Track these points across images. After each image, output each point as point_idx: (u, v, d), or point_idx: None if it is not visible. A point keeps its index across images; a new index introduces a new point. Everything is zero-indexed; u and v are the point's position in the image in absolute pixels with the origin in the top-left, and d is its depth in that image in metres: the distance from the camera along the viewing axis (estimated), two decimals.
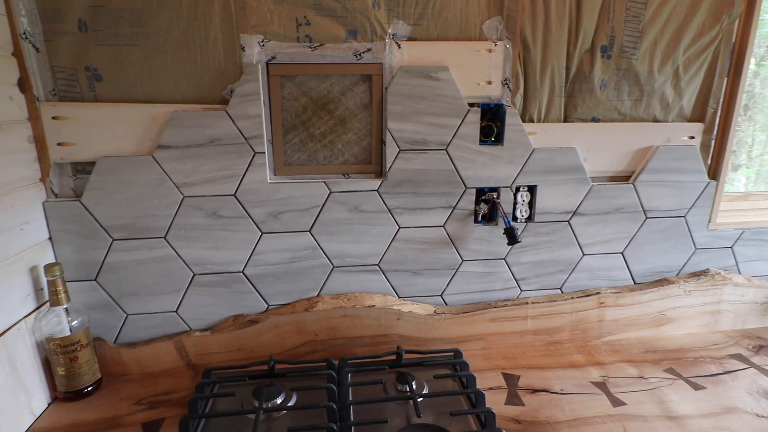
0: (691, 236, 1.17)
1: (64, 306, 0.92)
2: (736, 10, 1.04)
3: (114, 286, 1.01)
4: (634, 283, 1.19)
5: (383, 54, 0.98)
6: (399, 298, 1.12)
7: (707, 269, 1.21)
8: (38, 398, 0.91)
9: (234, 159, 0.97)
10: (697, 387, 0.98)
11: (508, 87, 1.02)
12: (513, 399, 0.95)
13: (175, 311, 1.04)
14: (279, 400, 0.90)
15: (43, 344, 0.91)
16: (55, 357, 0.91)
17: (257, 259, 1.04)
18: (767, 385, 0.99)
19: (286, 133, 1.00)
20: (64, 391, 0.93)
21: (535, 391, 0.98)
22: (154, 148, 0.95)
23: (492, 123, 1.03)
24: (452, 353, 1.03)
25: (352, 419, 0.84)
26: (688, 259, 1.20)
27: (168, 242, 1.00)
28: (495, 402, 0.94)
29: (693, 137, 1.12)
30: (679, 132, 1.11)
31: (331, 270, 1.07)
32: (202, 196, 0.98)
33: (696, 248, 1.19)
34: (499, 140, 1.04)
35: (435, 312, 1.10)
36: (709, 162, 1.15)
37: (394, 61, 0.98)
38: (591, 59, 1.03)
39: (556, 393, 0.97)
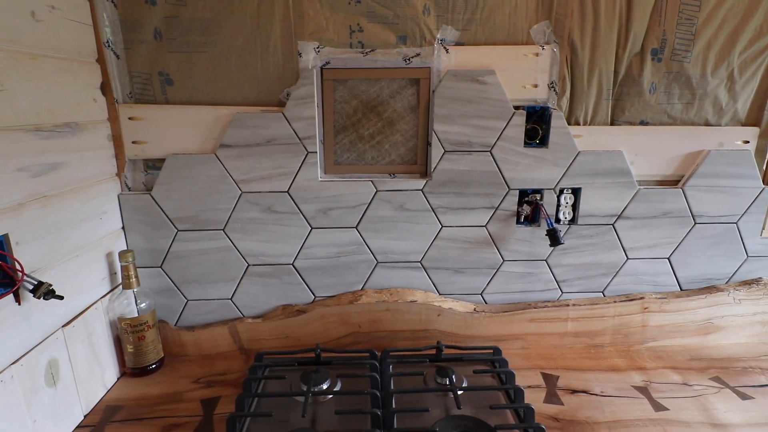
0: (743, 243, 1.14)
1: (135, 289, 1.01)
2: None
3: (177, 274, 1.09)
4: (681, 289, 1.17)
5: (431, 58, 1.01)
6: (440, 294, 1.15)
7: (760, 278, 1.17)
8: (110, 372, 1.01)
9: (288, 158, 1.04)
10: (744, 397, 0.96)
11: (555, 90, 1.04)
12: (552, 398, 0.96)
13: (230, 299, 1.12)
14: (325, 386, 0.96)
15: (115, 323, 1.01)
16: (125, 335, 1.00)
17: (306, 252, 1.10)
18: None
19: (337, 134, 1.06)
20: (132, 367, 1.03)
21: (574, 391, 0.99)
22: (216, 147, 1.03)
23: (537, 125, 1.05)
24: (491, 350, 1.06)
25: (394, 406, 0.88)
26: (739, 267, 1.16)
27: (226, 234, 1.08)
28: (534, 400, 0.95)
29: (748, 142, 1.09)
30: (733, 136, 1.08)
31: (375, 265, 1.12)
32: (259, 192, 1.05)
33: (748, 256, 1.15)
34: (543, 143, 1.06)
35: (475, 310, 1.13)
36: (765, 167, 1.12)
37: (441, 65, 1.02)
38: (641, 62, 1.03)
39: (596, 395, 0.97)
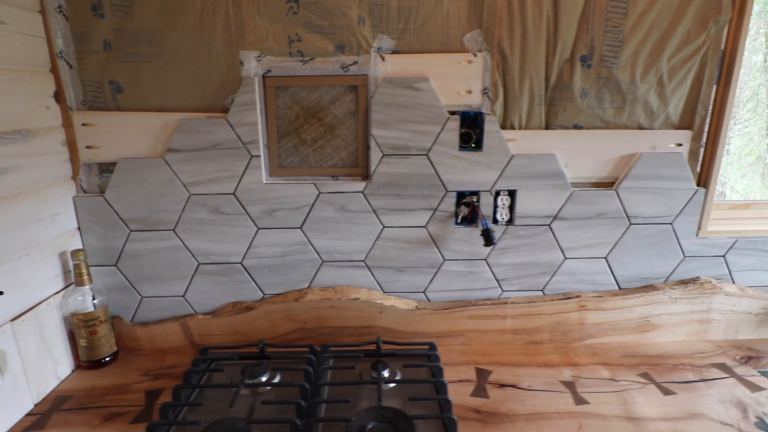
0: (679, 243, 1.17)
1: (87, 286, 1.07)
2: (723, 18, 1.04)
3: (131, 272, 1.15)
4: (619, 288, 1.21)
5: (368, 66, 1.06)
6: (384, 293, 1.19)
7: (698, 277, 1.20)
8: (63, 365, 1.06)
9: (233, 161, 1.09)
10: (667, 392, 1.00)
11: (488, 96, 1.08)
12: (479, 392, 1.00)
13: (183, 296, 1.18)
14: (264, 378, 1.01)
15: (68, 319, 1.07)
16: (78, 330, 1.06)
17: (254, 252, 1.15)
18: (742, 395, 0.98)
19: (281, 139, 1.11)
20: (86, 359, 1.08)
21: (502, 385, 1.03)
22: (165, 151, 1.08)
23: (471, 130, 1.09)
24: (427, 346, 1.10)
25: (323, 397, 0.93)
26: (677, 267, 1.19)
27: (176, 234, 1.13)
28: (461, 393, 1.00)
29: (681, 144, 1.12)
30: (666, 139, 1.12)
31: (321, 264, 1.17)
32: (206, 194, 1.11)
33: (685, 256, 1.19)
34: (478, 146, 1.10)
35: (416, 307, 1.17)
36: (699, 169, 1.15)
37: (378, 72, 1.06)
38: (571, 68, 1.07)
39: (523, 389, 1.01)
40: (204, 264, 1.15)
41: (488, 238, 1.09)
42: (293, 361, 1.06)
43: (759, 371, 1.09)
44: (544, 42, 1.04)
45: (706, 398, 0.98)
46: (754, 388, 1.01)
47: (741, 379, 1.04)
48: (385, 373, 1.02)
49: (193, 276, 1.16)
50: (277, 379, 1.02)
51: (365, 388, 0.98)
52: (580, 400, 0.97)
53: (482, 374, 1.07)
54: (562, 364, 1.11)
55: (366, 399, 0.94)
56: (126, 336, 1.17)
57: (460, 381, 1.04)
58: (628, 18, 1.03)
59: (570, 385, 1.02)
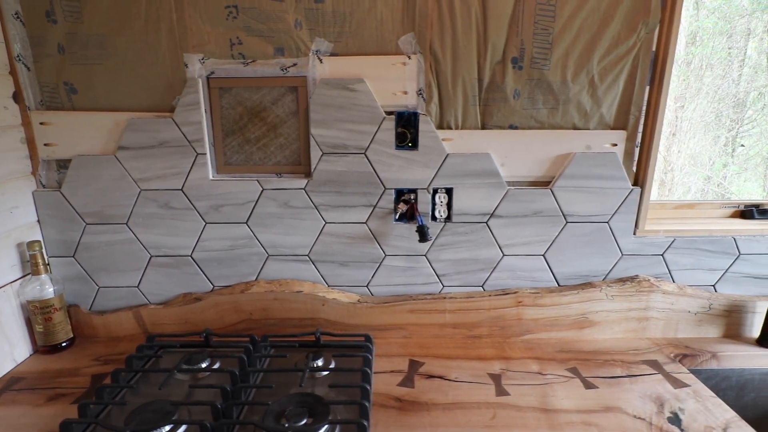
0: (617, 242, 1.19)
1: (44, 276, 1.14)
2: (653, 21, 1.06)
3: (88, 263, 1.22)
4: (558, 285, 1.23)
5: (307, 68, 1.10)
6: (328, 286, 1.24)
7: (636, 275, 1.22)
8: (20, 349, 1.13)
9: (180, 159, 1.14)
10: (589, 386, 1.02)
11: (422, 97, 1.11)
12: (406, 382, 1.04)
13: (137, 287, 1.24)
14: (204, 365, 1.06)
15: (25, 306, 1.13)
16: (34, 316, 1.13)
17: (203, 245, 1.20)
18: (664, 391, 1.00)
19: (226, 137, 1.16)
20: (42, 344, 1.15)
21: (431, 376, 1.06)
22: (116, 149, 1.14)
23: (406, 129, 1.12)
24: (363, 338, 1.14)
25: (252, 383, 0.98)
26: (615, 265, 1.21)
27: (129, 228, 1.19)
28: (389, 383, 1.03)
29: (615, 145, 1.14)
30: (600, 139, 1.14)
31: (267, 258, 1.22)
32: (156, 189, 1.16)
33: (623, 254, 1.20)
34: (414, 145, 1.13)
35: (358, 301, 1.22)
36: (634, 169, 1.16)
37: (317, 74, 1.11)
38: (503, 70, 1.09)
39: (450, 380, 1.05)
40: (156, 256, 1.21)
41: (423, 234, 1.12)
42: (232, 350, 1.11)
43: (689, 369, 1.11)
44: (474, 44, 1.07)
45: (627, 393, 1.00)
46: (679, 384, 1.03)
47: (668, 376, 1.06)
48: (319, 362, 1.07)
49: (146, 268, 1.22)
50: (216, 366, 1.07)
51: (295, 375, 1.02)
52: (501, 392, 1.00)
53: (414, 366, 1.11)
54: (494, 358, 1.14)
55: (293, 386, 0.99)
56: (83, 323, 1.23)
57: (392, 371, 1.08)
58: (557, 21, 1.06)
59: (496, 378, 1.05)
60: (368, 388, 0.93)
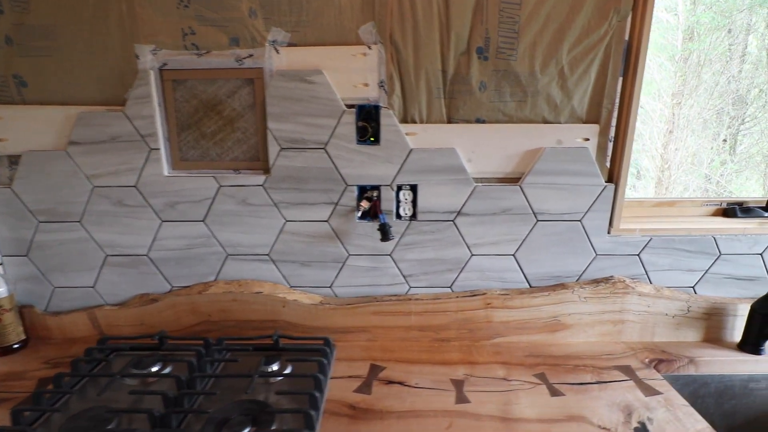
0: (590, 241, 1.14)
1: None
2: (624, 8, 1.00)
3: (42, 262, 1.17)
4: (530, 286, 1.18)
5: (263, 59, 1.06)
6: (290, 287, 1.19)
7: (611, 276, 1.16)
8: None
9: (133, 154, 1.10)
10: (555, 393, 0.97)
11: (384, 89, 1.06)
12: (364, 388, 0.99)
13: (93, 287, 1.19)
14: (154, 369, 1.02)
15: None
16: None
17: (159, 244, 1.16)
18: (633, 399, 0.95)
19: (181, 132, 1.12)
20: None
21: (390, 382, 1.01)
22: (68, 144, 1.10)
23: (367, 123, 1.08)
24: (322, 341, 1.09)
25: (199, 389, 0.93)
26: (589, 265, 1.16)
27: (83, 226, 1.15)
28: (345, 389, 0.99)
29: (588, 139, 1.09)
30: (572, 133, 1.08)
31: (226, 258, 1.17)
32: (109, 186, 1.12)
33: (597, 254, 1.15)
34: (376, 140, 1.08)
35: (320, 302, 1.17)
36: (608, 165, 1.11)
37: (273, 65, 1.06)
38: (468, 61, 1.04)
39: (410, 386, 1.00)
40: (111, 256, 1.17)
41: (385, 233, 1.07)
42: (185, 353, 1.07)
43: (665, 375, 1.05)
44: (437, 33, 1.02)
45: (595, 401, 0.94)
46: (650, 392, 0.97)
47: (640, 383, 1.00)
48: (274, 367, 1.02)
49: (101, 267, 1.18)
50: (167, 371, 1.03)
51: (246, 381, 0.97)
52: (461, 399, 0.95)
53: (375, 370, 1.06)
54: (460, 362, 1.09)
55: (242, 392, 0.94)
56: (38, 325, 1.19)
57: (350, 377, 1.03)
58: (523, 8, 1.00)
59: (458, 384, 1.00)
60: (317, 395, 0.88)
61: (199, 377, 0.96)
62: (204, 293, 1.15)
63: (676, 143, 4.17)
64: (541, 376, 1.03)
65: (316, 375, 0.94)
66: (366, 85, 1.06)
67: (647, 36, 1.01)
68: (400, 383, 1.01)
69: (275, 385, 0.98)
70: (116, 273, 1.18)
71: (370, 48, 1.04)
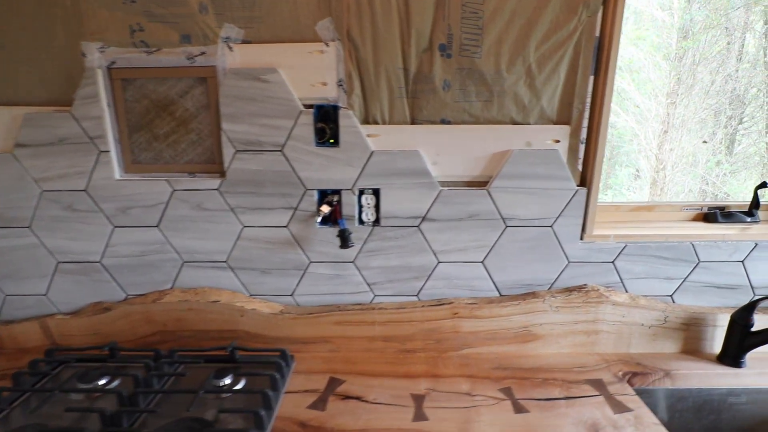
0: (562, 248, 1.09)
1: None
2: (594, 2, 0.95)
3: None
4: (500, 294, 1.12)
5: (216, 57, 1.00)
6: (250, 295, 1.14)
7: (584, 285, 1.11)
8: None
9: (82, 157, 1.05)
10: (520, 410, 0.92)
11: (343, 88, 1.01)
12: (319, 404, 0.94)
13: (45, 295, 1.14)
14: (102, 382, 0.97)
15: None
16: None
17: (112, 250, 1.11)
18: (602, 417, 0.89)
19: (132, 133, 1.06)
20: None
21: (347, 397, 0.96)
22: (14, 146, 1.05)
23: (326, 124, 1.02)
24: (279, 353, 1.04)
25: (140, 406, 0.88)
26: (561, 273, 1.10)
27: (33, 231, 1.10)
28: (299, 404, 0.94)
29: (558, 141, 1.03)
30: (542, 135, 1.03)
31: (182, 265, 1.12)
32: (58, 190, 1.07)
33: (569, 261, 1.10)
34: (336, 142, 1.03)
35: (281, 311, 1.12)
36: (580, 168, 1.06)
37: (227, 63, 1.01)
38: (430, 59, 0.99)
39: (367, 402, 0.95)
40: (63, 262, 1.12)
41: (344, 240, 1.02)
42: (136, 366, 1.02)
43: (638, 389, 1.00)
44: (396, 29, 0.97)
45: (560, 419, 0.89)
46: (620, 408, 0.92)
47: (610, 399, 0.95)
48: (227, 381, 0.97)
49: (53, 274, 1.13)
50: (114, 384, 0.98)
51: (191, 396, 0.92)
52: (420, 416, 0.90)
53: (333, 384, 1.01)
54: (424, 375, 1.03)
55: (179, 407, 0.89)
56: None
57: (306, 391, 0.98)
58: (487, 3, 0.95)
59: (419, 399, 0.95)
60: (262, 414, 0.83)
61: (142, 393, 0.90)
62: (159, 302, 1.10)
63: (671, 143, 4.11)
64: (507, 391, 0.97)
65: (265, 391, 0.89)
66: (324, 84, 1.01)
67: (619, 32, 0.96)
68: (358, 398, 0.96)
69: (227, 400, 0.93)
70: (69, 280, 1.13)
71: (327, 45, 0.99)
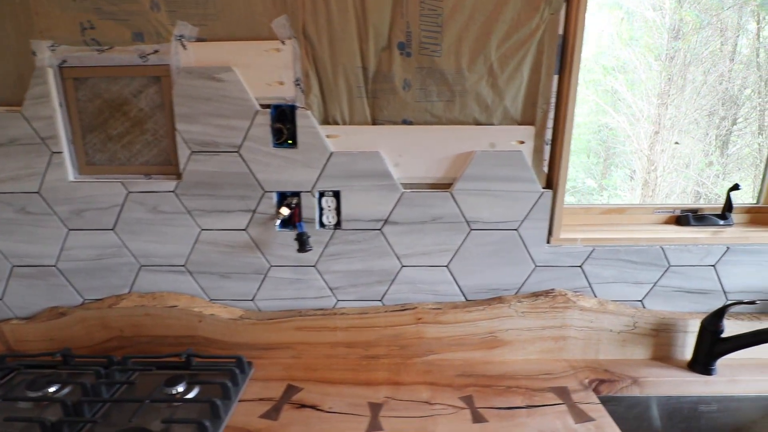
0: (528, 252, 1.06)
1: None
2: (556, 0, 0.92)
3: None
4: (466, 299, 1.10)
5: (169, 55, 0.98)
6: (209, 300, 1.11)
7: (552, 289, 1.08)
8: None
9: (34, 158, 1.02)
10: (479, 420, 0.89)
11: (301, 87, 0.98)
12: (272, 413, 0.91)
13: (1, 299, 1.12)
14: (51, 390, 0.94)
15: None
16: None
17: (67, 254, 1.08)
18: (561, 428, 0.87)
19: (86, 134, 1.04)
20: None
21: (302, 406, 0.93)
22: None
23: (283, 125, 1.00)
24: (235, 360, 1.01)
25: (85, 416, 0.85)
26: (528, 277, 1.08)
27: None
28: (251, 413, 0.91)
29: (523, 142, 1.01)
30: (506, 136, 1.00)
31: (139, 269, 1.09)
32: (10, 192, 1.04)
33: (536, 265, 1.07)
34: (294, 143, 1.00)
35: (240, 317, 1.09)
36: (545, 170, 1.03)
37: (181, 62, 0.98)
38: (389, 57, 0.96)
39: (322, 411, 0.92)
40: (18, 266, 1.09)
41: (302, 244, 1.00)
42: (86, 374, 0.99)
43: (602, 397, 0.97)
44: (353, 27, 0.94)
45: (519, 428, 0.86)
46: (582, 418, 0.89)
47: (573, 407, 0.92)
48: (179, 389, 0.94)
49: (8, 279, 1.10)
50: (64, 392, 0.95)
51: (148, 405, 0.90)
52: (374, 426, 0.87)
53: (290, 392, 0.98)
54: (385, 383, 1.01)
55: (131, 418, 0.86)
56: None
57: (261, 399, 0.95)
58: (446, 0, 0.92)
59: (376, 408, 0.92)
60: (206, 424, 0.80)
61: (89, 402, 0.87)
62: (115, 307, 1.08)
63: (662, 144, 4.08)
64: (468, 400, 0.95)
65: (213, 401, 0.86)
66: (281, 83, 0.98)
67: (582, 31, 0.93)
68: (313, 407, 0.93)
69: (179, 409, 0.90)
70: (25, 285, 1.10)
71: (284, 43, 0.96)
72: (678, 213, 1.16)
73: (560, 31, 0.95)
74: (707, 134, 4.16)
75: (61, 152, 1.02)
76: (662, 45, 3.97)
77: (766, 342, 0.96)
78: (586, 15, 0.92)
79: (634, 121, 4.35)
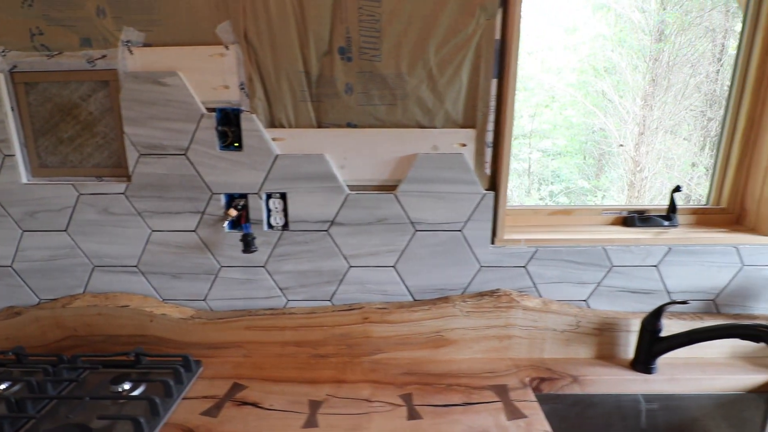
0: (473, 252, 1.08)
1: None
2: (491, 6, 0.94)
3: None
4: (414, 299, 1.12)
5: (116, 60, 1.00)
6: (162, 300, 1.13)
7: (498, 289, 1.10)
8: None
9: None
10: (413, 416, 0.91)
11: (245, 91, 1.00)
12: (213, 410, 0.93)
13: None
14: (1, 387, 0.96)
15: None
16: None
17: (22, 255, 1.10)
18: (491, 425, 0.88)
19: (38, 137, 1.06)
20: None
21: (243, 404, 0.95)
22: None
23: (227, 128, 1.02)
24: (181, 358, 1.03)
25: (28, 412, 0.88)
26: (474, 278, 1.10)
27: None
28: (193, 411, 0.93)
29: (465, 145, 1.03)
30: (448, 139, 1.02)
31: (93, 269, 1.11)
32: None
33: (481, 266, 1.09)
34: (240, 146, 1.02)
35: (191, 316, 1.11)
36: (488, 172, 1.05)
37: (128, 67, 1.00)
38: (331, 62, 0.98)
39: (262, 408, 0.94)
40: None
41: (246, 245, 1.02)
42: (35, 373, 1.01)
43: (542, 395, 0.99)
44: (294, 32, 0.96)
45: (451, 425, 0.88)
46: (515, 415, 0.91)
47: (509, 405, 0.94)
48: (126, 386, 0.96)
49: None
50: (14, 389, 0.97)
51: (93, 402, 0.92)
52: (310, 423, 0.89)
53: (234, 390, 1.00)
54: (329, 381, 1.03)
55: (75, 415, 0.88)
56: None
57: (205, 397, 0.97)
58: (384, 6, 0.94)
59: (315, 406, 0.94)
60: (141, 420, 0.82)
61: (33, 399, 0.90)
62: (68, 307, 1.10)
63: (647, 146, 4.10)
64: (407, 397, 0.96)
65: (151, 398, 0.88)
66: (226, 87, 1.00)
67: (518, 35, 0.95)
68: (254, 404, 0.95)
69: (124, 406, 0.92)
70: None
71: (228, 48, 0.98)
72: (625, 214, 1.17)
73: (497, 36, 0.97)
74: (691, 135, 4.17)
75: (13, 155, 1.04)
76: (646, 46, 3.99)
77: (699, 341, 0.98)
78: (521, 22, 0.94)
79: (621, 123, 4.37)
